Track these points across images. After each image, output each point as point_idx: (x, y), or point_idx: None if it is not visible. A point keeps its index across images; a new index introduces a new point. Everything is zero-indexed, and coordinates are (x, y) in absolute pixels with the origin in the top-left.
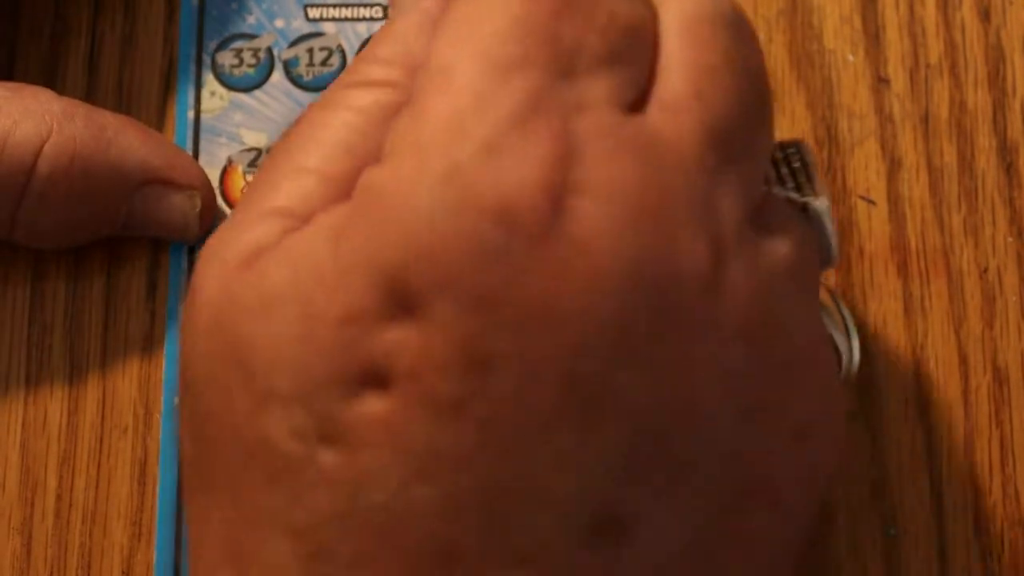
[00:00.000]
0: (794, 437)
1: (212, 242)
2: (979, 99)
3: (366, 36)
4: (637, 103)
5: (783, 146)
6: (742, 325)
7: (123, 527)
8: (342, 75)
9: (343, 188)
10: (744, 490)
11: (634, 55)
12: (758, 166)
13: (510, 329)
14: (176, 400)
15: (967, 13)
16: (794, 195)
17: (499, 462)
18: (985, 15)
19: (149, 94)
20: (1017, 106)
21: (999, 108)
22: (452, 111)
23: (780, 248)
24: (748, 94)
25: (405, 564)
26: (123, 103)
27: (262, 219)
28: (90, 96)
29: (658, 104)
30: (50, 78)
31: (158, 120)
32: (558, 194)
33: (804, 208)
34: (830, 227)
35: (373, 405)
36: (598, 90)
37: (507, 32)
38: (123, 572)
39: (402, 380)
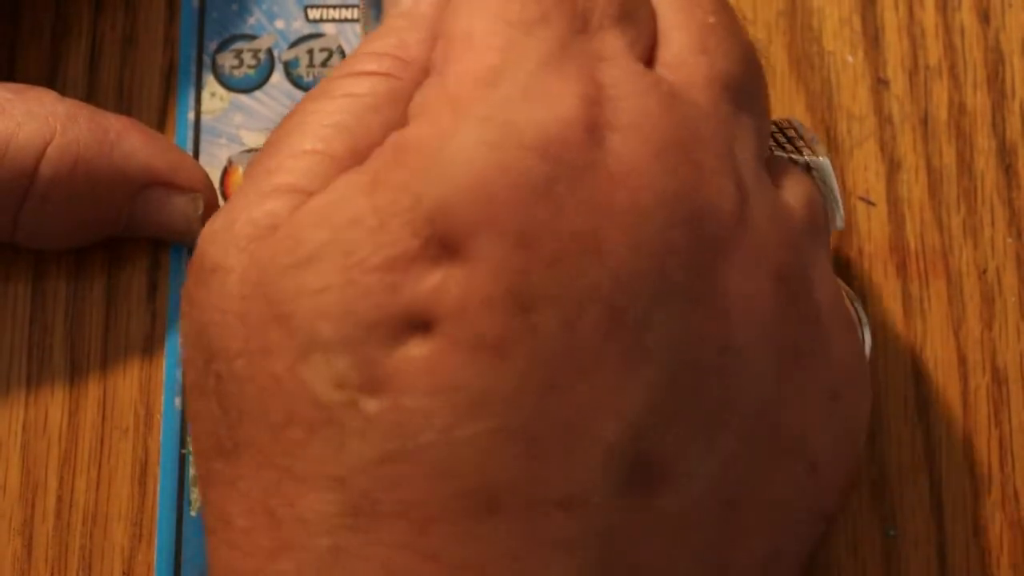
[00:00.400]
0: (828, 396)
1: (215, 224)
2: (978, 101)
3: None
4: (646, 63)
5: (775, 121)
6: (771, 265)
7: (124, 528)
8: (334, 70)
9: (346, 165)
10: (779, 447)
11: (640, 16)
12: (766, 122)
13: (554, 264)
14: (174, 398)
15: (966, 15)
16: (796, 157)
17: (543, 402)
18: (984, 17)
19: (149, 95)
20: (1016, 107)
21: (998, 110)
22: (481, 67)
23: (793, 200)
24: (746, 52)
25: (449, 509)
26: (123, 104)
27: (269, 196)
28: (90, 97)
29: (665, 62)
30: (51, 79)
31: (158, 121)
32: (595, 128)
33: (808, 168)
34: (835, 185)
35: (417, 349)
36: (615, 44)
37: None
38: (124, 573)
39: (446, 322)
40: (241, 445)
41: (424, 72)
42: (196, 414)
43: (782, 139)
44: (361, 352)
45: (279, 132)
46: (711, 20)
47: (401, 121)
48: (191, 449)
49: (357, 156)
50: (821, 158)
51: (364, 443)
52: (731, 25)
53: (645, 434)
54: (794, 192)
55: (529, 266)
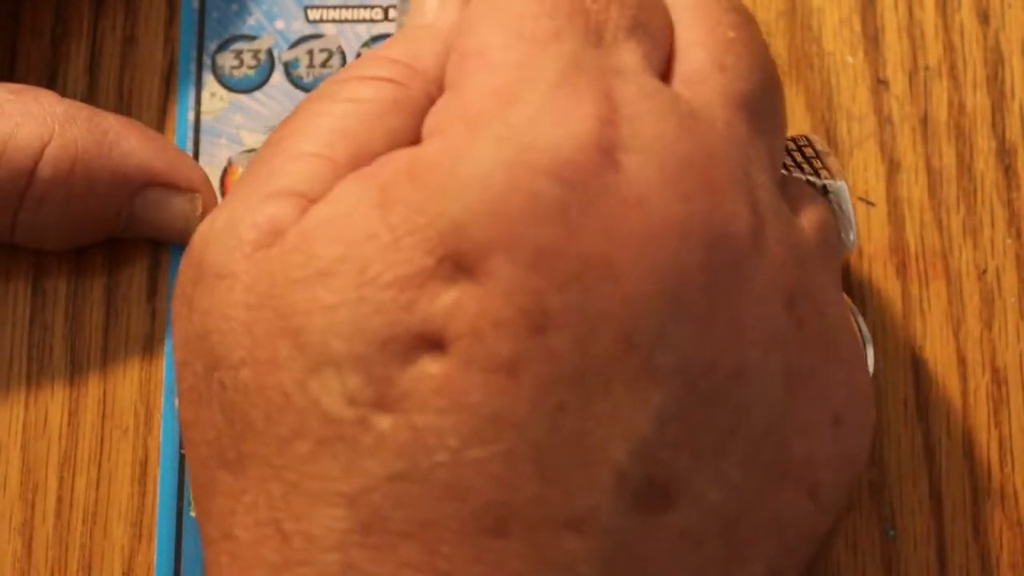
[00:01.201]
0: (832, 421)
1: (215, 224)
2: (978, 101)
3: (366, 37)
4: (663, 77)
5: (793, 138)
6: (783, 289)
7: (124, 528)
8: (340, 71)
9: (347, 171)
10: (782, 471)
11: (654, 28)
12: (780, 141)
13: (568, 285)
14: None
15: (966, 15)
16: (813, 179)
17: (555, 423)
18: (984, 17)
19: (149, 95)
20: (1016, 108)
21: (998, 110)
22: (496, 84)
23: (807, 223)
24: (765, 68)
25: (461, 532)
26: (123, 104)
27: (270, 200)
28: (90, 97)
29: (682, 78)
30: (51, 79)
31: (158, 121)
32: (610, 149)
33: (824, 191)
34: (849, 210)
35: (430, 367)
36: (630, 58)
37: (534, 10)
38: (124, 573)
39: (459, 341)
40: (246, 457)
41: (435, 85)
42: (194, 421)
43: (799, 158)
44: (374, 369)
45: (281, 132)
46: (731, 35)
47: (407, 132)
48: (186, 455)
49: (359, 163)
50: (838, 181)
51: (375, 461)
52: (752, 41)
53: (655, 456)
54: (809, 215)
55: (543, 287)
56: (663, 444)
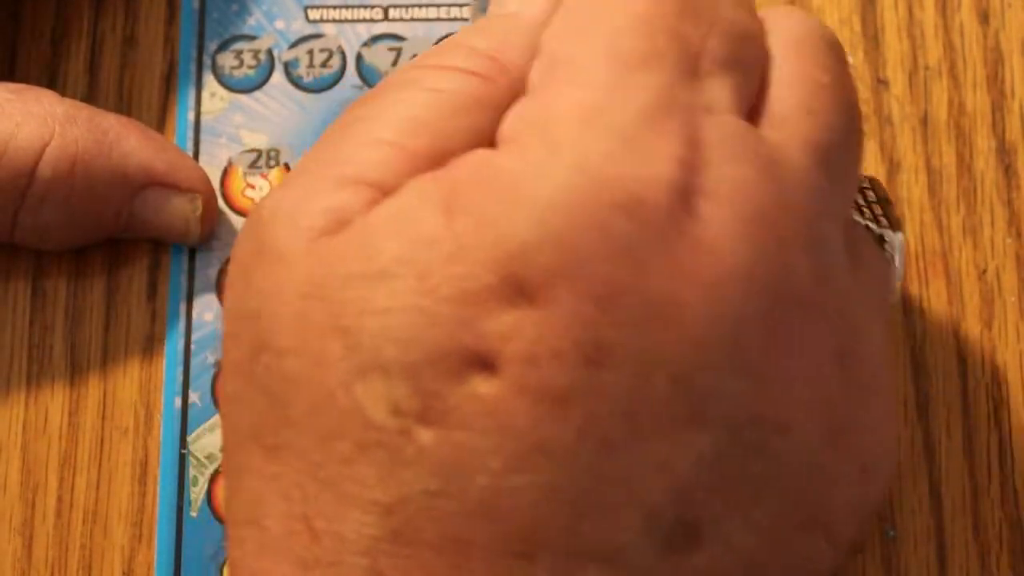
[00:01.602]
0: (859, 470)
1: (277, 204)
2: (978, 101)
3: (366, 37)
4: (751, 112)
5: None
6: (836, 345)
7: (124, 528)
8: (420, 57)
9: (421, 164)
10: (809, 519)
11: (750, 63)
12: (853, 191)
13: (629, 325)
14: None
15: (966, 15)
16: (872, 225)
17: (598, 458)
18: (984, 17)
19: (149, 95)
20: (1016, 107)
21: (998, 110)
22: (582, 102)
23: (865, 273)
24: (850, 116)
25: (490, 552)
26: (123, 104)
27: (340, 186)
28: (91, 97)
29: (770, 117)
30: (51, 80)
31: (158, 121)
32: (687, 193)
33: (880, 240)
34: (902, 263)
35: (480, 388)
36: (722, 94)
37: (632, 28)
38: (124, 573)
39: (513, 365)
40: (284, 446)
41: (520, 82)
42: (235, 396)
43: (861, 201)
44: (423, 382)
45: (356, 113)
46: (824, 79)
47: (487, 130)
48: (223, 427)
49: (435, 158)
50: (897, 233)
51: (413, 473)
52: (843, 86)
53: (690, 498)
54: (867, 267)
55: (604, 323)
56: (699, 487)
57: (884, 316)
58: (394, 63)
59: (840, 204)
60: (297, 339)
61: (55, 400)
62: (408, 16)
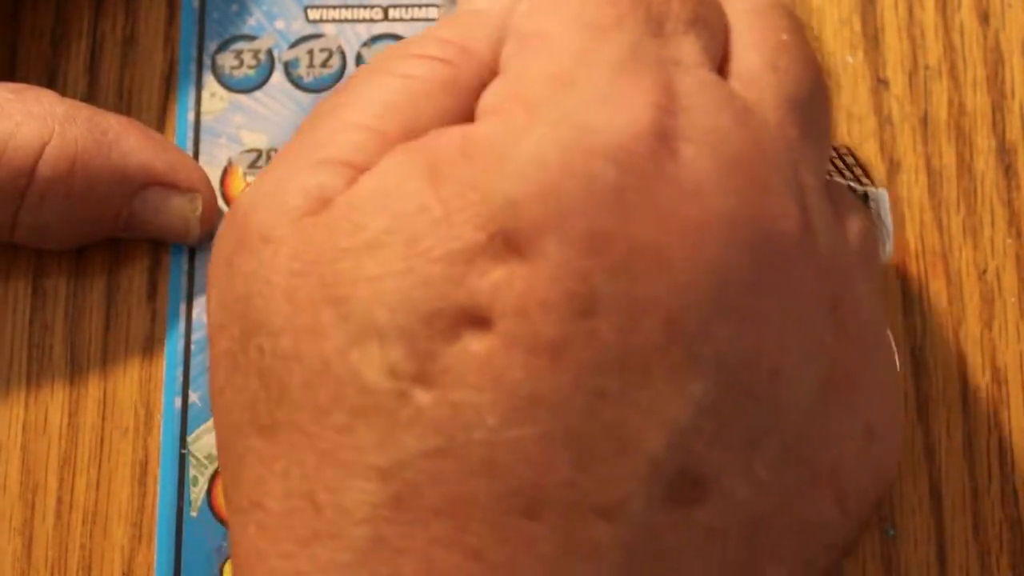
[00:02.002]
0: (864, 432)
1: (261, 188)
2: (978, 101)
3: (366, 37)
4: (718, 75)
5: (835, 147)
6: (828, 293)
7: (124, 528)
8: (391, 48)
9: (396, 145)
10: (811, 477)
11: (714, 24)
12: (828, 147)
13: (617, 271)
14: (175, 397)
15: (966, 15)
16: (855, 185)
17: (594, 408)
18: (984, 17)
19: (149, 96)
20: (1016, 108)
21: (998, 110)
22: (556, 67)
23: (850, 229)
24: (816, 73)
25: (492, 511)
26: (123, 104)
27: (319, 167)
28: (91, 98)
29: (736, 76)
30: (51, 80)
31: (158, 122)
32: (667, 138)
33: (864, 199)
34: (888, 219)
35: (473, 344)
36: (689, 50)
37: None
38: (124, 573)
39: (504, 320)
40: (281, 424)
41: (488, 69)
42: (227, 385)
43: (840, 164)
44: (417, 342)
45: (330, 102)
46: (784, 38)
47: (456, 111)
48: (215, 422)
49: (408, 137)
50: (880, 189)
51: (412, 435)
52: (804, 46)
53: (689, 448)
54: (852, 222)
55: (593, 271)
56: (698, 436)
57: (876, 274)
58: None
59: (816, 159)
60: (289, 316)
61: (55, 400)
62: (408, 16)
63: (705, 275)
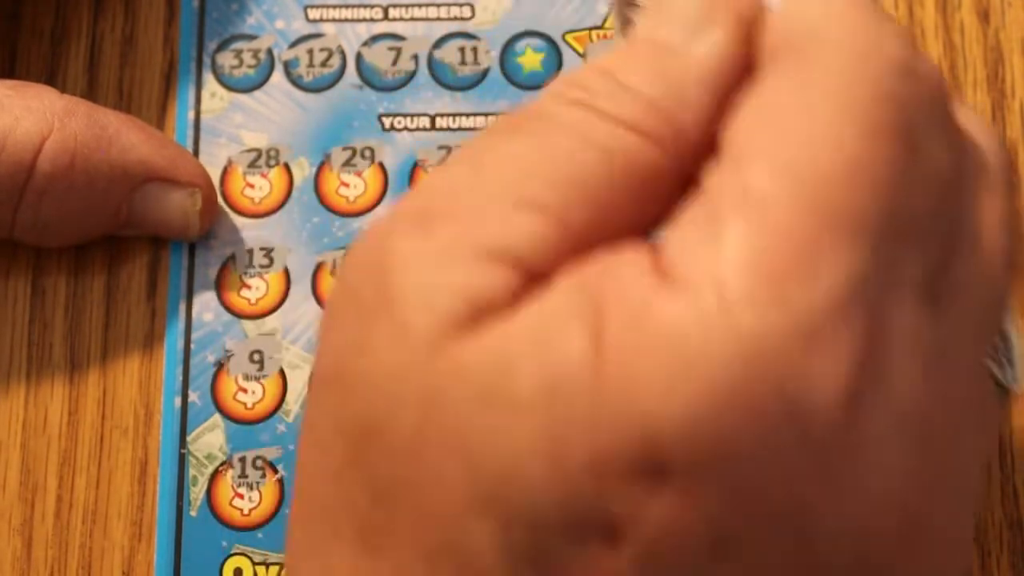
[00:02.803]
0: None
1: (411, 258)
2: (978, 100)
3: (366, 37)
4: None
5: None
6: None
7: (123, 527)
8: (581, 82)
9: (580, 245)
10: None
11: (947, 223)
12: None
13: (763, 527)
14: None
15: (966, 14)
16: (996, 372)
17: None
18: (984, 16)
19: (149, 95)
20: (1016, 107)
21: (998, 109)
22: (771, 259)
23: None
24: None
25: None
26: (123, 104)
27: (481, 259)
28: (91, 97)
29: (951, 282)
30: (51, 79)
31: (158, 121)
32: (856, 405)
33: (998, 385)
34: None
35: (598, 556)
36: (914, 269)
37: (839, 176)
38: (123, 572)
39: (636, 542)
40: (385, 545)
41: (691, 156)
42: (322, 469)
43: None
44: (541, 535)
45: (508, 147)
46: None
47: (651, 214)
48: (297, 497)
49: (592, 239)
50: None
51: None
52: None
53: None
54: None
55: (737, 520)
56: None
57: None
58: (394, 62)
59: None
60: (413, 446)
61: (55, 399)
62: (408, 16)
63: (853, 559)
